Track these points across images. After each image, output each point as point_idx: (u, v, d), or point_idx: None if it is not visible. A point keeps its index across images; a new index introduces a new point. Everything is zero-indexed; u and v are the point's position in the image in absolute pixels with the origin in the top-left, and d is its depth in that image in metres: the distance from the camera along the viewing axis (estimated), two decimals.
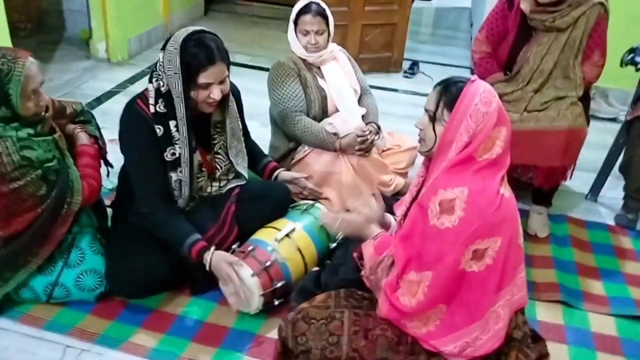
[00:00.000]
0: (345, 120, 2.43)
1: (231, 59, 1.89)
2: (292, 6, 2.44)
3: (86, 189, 1.86)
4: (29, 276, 1.83)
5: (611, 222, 2.65)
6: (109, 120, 2.39)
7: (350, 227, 1.74)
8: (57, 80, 3.73)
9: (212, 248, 1.86)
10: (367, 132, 2.40)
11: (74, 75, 3.87)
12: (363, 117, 2.50)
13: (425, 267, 1.51)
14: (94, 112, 2.22)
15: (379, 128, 2.51)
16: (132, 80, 3.89)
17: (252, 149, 2.24)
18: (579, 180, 2.74)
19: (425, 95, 1.70)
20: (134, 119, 1.85)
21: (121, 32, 4.15)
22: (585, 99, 2.40)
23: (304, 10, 2.37)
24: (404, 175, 2.63)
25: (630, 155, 2.54)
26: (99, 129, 2.12)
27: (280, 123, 2.46)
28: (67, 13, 4.54)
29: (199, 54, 1.76)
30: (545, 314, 2.04)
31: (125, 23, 4.16)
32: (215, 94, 1.82)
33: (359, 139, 2.38)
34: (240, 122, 2.07)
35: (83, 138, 2.00)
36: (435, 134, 1.54)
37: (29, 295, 1.87)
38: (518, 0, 2.39)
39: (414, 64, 4.47)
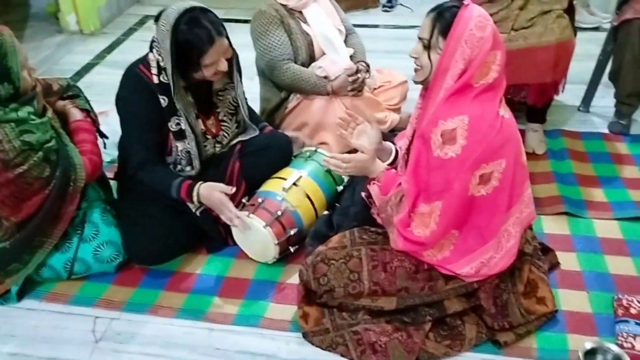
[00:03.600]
0: (334, 61, 2.41)
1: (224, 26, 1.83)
2: None
3: (88, 164, 1.86)
4: (47, 256, 1.85)
5: (605, 131, 2.69)
6: (94, 93, 2.35)
7: (357, 167, 1.76)
8: (33, 59, 3.60)
9: (199, 182, 1.87)
10: (358, 71, 2.38)
11: (49, 51, 3.78)
12: (351, 57, 2.48)
13: (434, 197, 1.54)
14: (79, 86, 2.19)
15: (368, 66, 2.50)
16: (109, 49, 3.81)
17: (249, 115, 2.23)
18: (570, 93, 2.75)
19: (407, 27, 1.69)
20: (137, 84, 1.84)
21: (90, 1, 4.02)
22: (570, 10, 2.38)
23: None
24: (397, 111, 2.63)
25: (619, 61, 2.54)
26: (88, 102, 2.09)
27: (268, 73, 2.43)
28: None
29: (198, 37, 1.73)
30: (552, 226, 2.10)
31: None
32: (222, 66, 1.81)
33: (350, 79, 2.36)
34: (241, 86, 2.04)
35: (75, 114, 1.98)
36: (430, 62, 1.53)
37: (50, 274, 1.90)
38: None
39: None
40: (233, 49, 1.90)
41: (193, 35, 1.73)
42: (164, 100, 1.83)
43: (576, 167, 2.42)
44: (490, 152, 1.51)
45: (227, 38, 1.82)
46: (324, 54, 2.44)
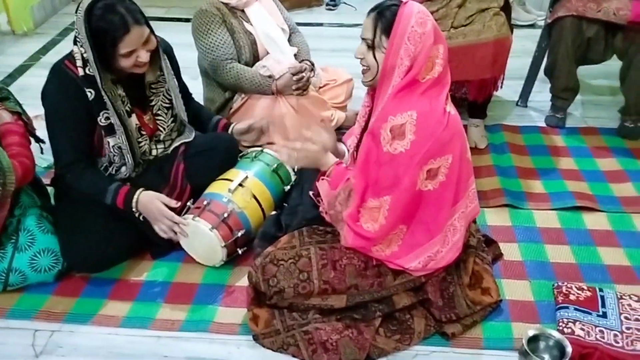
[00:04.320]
0: (279, 61, 2.39)
1: (145, 15, 1.77)
2: None
3: (18, 168, 1.77)
4: None
5: (542, 124, 2.79)
6: (28, 96, 2.25)
7: (308, 158, 1.74)
8: None
9: (140, 189, 1.82)
10: (302, 70, 2.38)
11: None
12: (295, 56, 2.47)
13: (384, 192, 1.56)
14: (9, 89, 2.08)
15: (312, 65, 2.49)
16: (44, 50, 3.64)
17: (199, 111, 2.18)
18: (509, 89, 2.84)
19: (351, 25, 1.70)
20: (61, 80, 1.77)
21: (20, 1, 3.84)
22: (506, 8, 2.46)
23: None
24: (343, 109, 2.64)
25: (554, 56, 2.64)
26: (19, 104, 2.00)
27: (212, 73, 2.39)
28: None
29: (110, 24, 1.66)
30: (494, 218, 2.16)
31: None
32: (142, 57, 1.74)
33: (294, 78, 2.35)
34: (176, 80, 1.99)
35: (4, 116, 1.88)
36: (376, 61, 1.55)
37: None
38: None
39: None
40: (166, 44, 1.84)
41: (106, 22, 1.66)
42: (90, 94, 1.76)
43: (516, 160, 2.50)
44: (438, 148, 1.54)
45: (149, 27, 1.76)
46: (267, 53, 2.42)
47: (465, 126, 2.56)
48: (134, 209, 1.81)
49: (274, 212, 1.99)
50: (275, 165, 2.07)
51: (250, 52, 2.38)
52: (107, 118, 1.80)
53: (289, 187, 2.08)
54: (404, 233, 1.64)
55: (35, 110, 2.12)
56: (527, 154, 2.57)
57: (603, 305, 1.73)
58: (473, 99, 2.58)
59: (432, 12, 2.34)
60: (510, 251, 2.00)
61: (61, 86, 1.77)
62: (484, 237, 1.96)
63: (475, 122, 2.63)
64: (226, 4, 2.36)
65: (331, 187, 1.72)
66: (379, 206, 1.57)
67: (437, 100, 1.54)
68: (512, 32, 2.42)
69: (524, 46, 3.17)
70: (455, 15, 2.40)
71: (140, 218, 1.86)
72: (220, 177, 2.01)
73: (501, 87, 2.58)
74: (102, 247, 1.83)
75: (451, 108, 1.59)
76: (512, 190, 2.30)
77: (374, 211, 1.58)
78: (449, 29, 2.39)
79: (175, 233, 1.84)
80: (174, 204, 1.81)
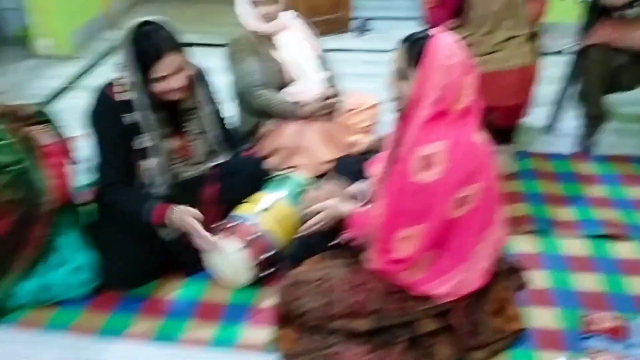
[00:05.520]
0: (305, 87, 2.45)
1: (180, 42, 1.85)
2: None
3: (56, 188, 1.85)
4: (18, 281, 1.83)
5: (570, 151, 2.77)
6: (67, 118, 2.34)
7: (327, 220, 1.77)
8: (2, 84, 3.59)
9: (173, 206, 1.87)
10: (329, 96, 2.43)
11: (20, 77, 3.74)
12: (324, 81, 2.52)
13: (413, 221, 1.57)
14: (49, 112, 2.18)
15: (338, 92, 2.54)
16: (82, 74, 3.79)
17: (229, 136, 2.23)
18: (537, 116, 2.84)
19: (379, 51, 1.74)
20: (102, 103, 1.86)
21: (62, 26, 4.01)
22: (534, 36, 2.48)
23: None
24: (368, 133, 2.67)
25: (583, 84, 2.64)
26: (59, 127, 2.09)
27: (243, 99, 2.46)
28: (0, 12, 4.35)
29: (147, 48, 1.76)
30: (521, 245, 2.15)
31: (65, 16, 4.02)
32: (173, 83, 1.82)
33: (321, 105, 2.40)
34: (212, 106, 2.06)
35: (44, 138, 1.97)
36: (406, 91, 1.58)
37: (21, 300, 1.87)
38: None
39: (364, 21, 4.47)
40: (199, 69, 1.91)
41: (142, 48, 1.76)
42: (128, 118, 1.84)
43: (543, 187, 2.49)
44: (467, 176, 1.55)
45: (184, 54, 1.84)
46: (296, 79, 2.48)
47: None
48: (167, 224, 1.86)
49: (299, 234, 2.02)
50: (301, 188, 2.11)
51: (279, 78, 2.44)
52: (142, 142, 1.87)
53: None
54: (430, 260, 1.65)
55: (73, 131, 2.21)
56: (555, 180, 2.55)
57: (632, 335, 1.71)
58: (500, 126, 2.59)
59: (460, 39, 2.41)
60: (537, 279, 1.99)
61: (101, 110, 1.87)
62: (510, 264, 1.95)
63: (503, 149, 2.63)
64: (258, 32, 2.43)
65: (357, 233, 1.73)
66: (409, 236, 1.58)
67: (466, 129, 1.55)
68: (540, 59, 2.44)
69: (551, 73, 3.17)
70: (482, 43, 2.43)
71: (167, 238, 1.91)
72: (248, 199, 2.06)
73: (529, 113, 2.59)
74: (136, 266, 1.90)
75: (480, 135, 1.61)
76: (539, 217, 2.29)
77: (404, 241, 1.60)
78: (478, 55, 2.42)
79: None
80: (201, 217, 1.87)
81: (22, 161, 1.80)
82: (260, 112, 2.45)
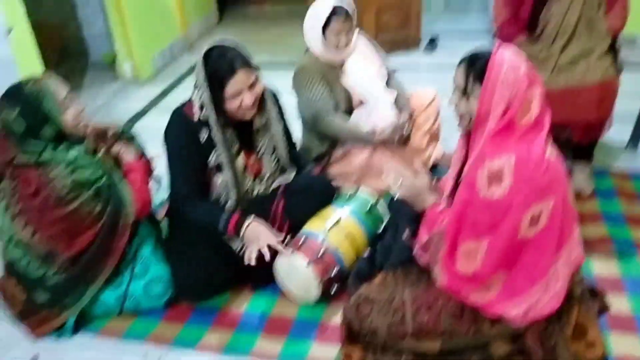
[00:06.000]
0: (376, 111, 2.45)
1: (253, 61, 1.92)
2: (301, 3, 2.42)
3: (137, 201, 1.96)
4: (100, 291, 1.94)
5: None
6: (148, 138, 2.47)
7: (412, 189, 1.72)
8: (90, 105, 3.85)
9: (252, 216, 1.93)
10: (403, 126, 2.43)
11: (105, 99, 4.00)
12: (396, 100, 2.51)
13: (480, 236, 1.54)
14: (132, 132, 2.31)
15: (408, 113, 2.52)
16: (162, 96, 3.99)
17: (298, 159, 2.27)
18: (617, 133, 2.70)
19: (449, 67, 1.73)
20: (180, 123, 1.96)
21: (144, 51, 4.25)
22: (613, 50, 2.38)
23: (335, 12, 2.33)
24: (436, 137, 2.64)
25: None
26: (142, 146, 2.21)
27: (313, 125, 2.48)
28: (88, 39, 4.66)
29: (220, 66, 1.84)
30: (601, 267, 2.05)
31: (146, 41, 4.27)
32: (246, 100, 1.89)
33: (395, 132, 2.40)
34: (282, 125, 2.11)
35: (128, 156, 2.10)
36: (471, 108, 1.56)
37: (103, 309, 1.98)
38: None
39: (433, 37, 4.46)
40: (271, 91, 1.97)
41: (217, 65, 1.84)
42: (203, 136, 1.93)
43: (625, 207, 2.36)
44: (538, 192, 1.50)
45: (254, 73, 1.90)
46: (364, 103, 2.48)
47: (569, 170, 2.50)
48: (241, 234, 1.92)
49: (367, 251, 2.02)
50: (370, 205, 2.12)
51: (346, 103, 2.47)
52: (217, 157, 1.95)
53: (383, 226, 2.11)
54: (503, 279, 1.60)
55: (153, 150, 2.33)
56: (637, 201, 2.42)
57: None
58: (578, 142, 2.49)
59: (533, 55, 2.36)
60: (619, 303, 1.89)
61: (179, 129, 1.96)
62: (589, 288, 1.86)
63: (581, 166, 2.53)
64: (326, 59, 2.43)
65: (426, 229, 1.73)
66: (475, 249, 1.55)
67: (535, 143, 1.51)
68: (619, 74, 2.33)
69: (634, 87, 3.02)
70: (558, 57, 2.36)
71: (238, 251, 1.98)
72: (317, 215, 2.09)
73: (608, 129, 2.47)
74: (208, 278, 1.97)
75: (552, 151, 1.56)
76: (619, 238, 2.17)
77: (469, 254, 1.57)
78: (552, 71, 2.35)
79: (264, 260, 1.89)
80: (277, 239, 1.91)
81: (108, 176, 1.92)
82: (330, 138, 2.48)
